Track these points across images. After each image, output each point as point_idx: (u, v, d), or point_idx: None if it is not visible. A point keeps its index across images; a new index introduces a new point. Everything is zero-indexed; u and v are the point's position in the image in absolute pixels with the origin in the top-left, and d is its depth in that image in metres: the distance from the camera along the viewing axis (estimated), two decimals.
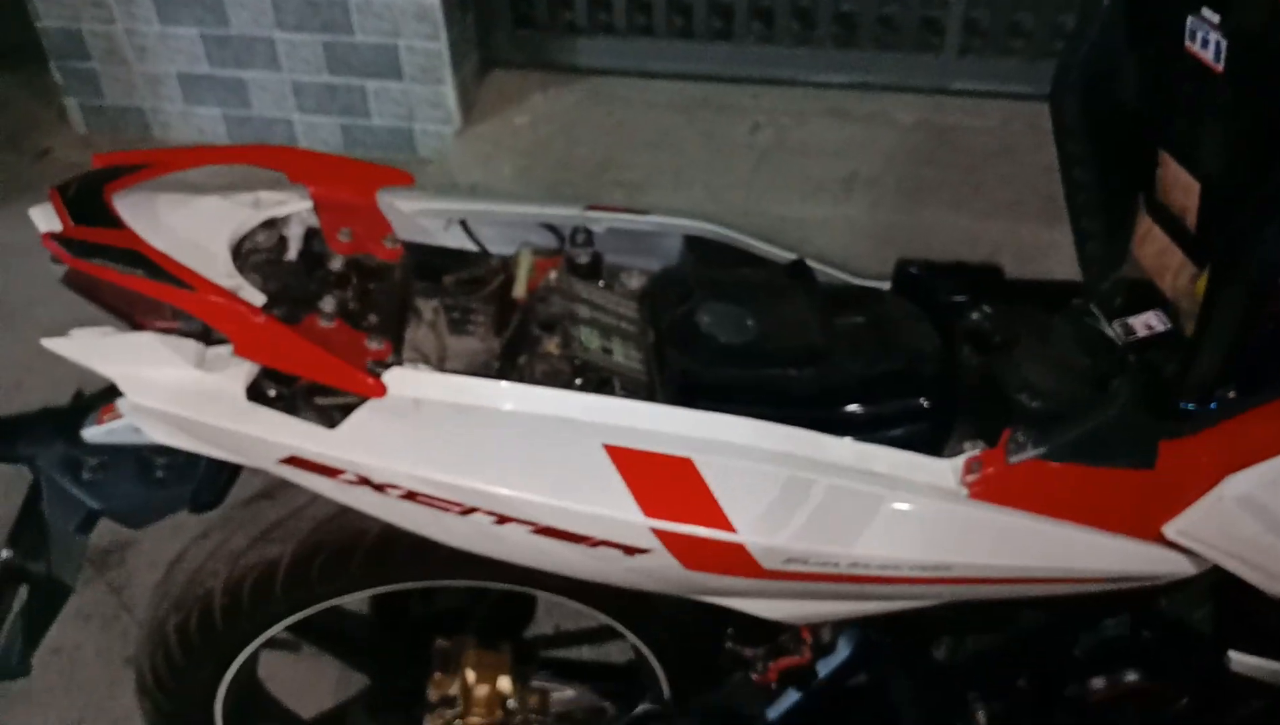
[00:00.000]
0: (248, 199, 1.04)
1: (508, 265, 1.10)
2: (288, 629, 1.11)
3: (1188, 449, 0.90)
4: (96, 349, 0.87)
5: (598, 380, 0.95)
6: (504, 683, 1.17)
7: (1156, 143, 1.04)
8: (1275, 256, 0.82)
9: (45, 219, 0.90)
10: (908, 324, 1.04)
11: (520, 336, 1.01)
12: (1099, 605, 1.07)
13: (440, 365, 1.02)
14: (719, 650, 1.14)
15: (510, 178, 2.68)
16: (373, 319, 0.98)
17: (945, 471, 0.91)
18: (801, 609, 0.99)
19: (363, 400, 0.86)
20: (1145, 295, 1.08)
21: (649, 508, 0.84)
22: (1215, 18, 0.89)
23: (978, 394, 1.01)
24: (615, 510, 0.84)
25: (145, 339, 0.88)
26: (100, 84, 2.84)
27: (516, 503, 0.84)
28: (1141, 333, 1.04)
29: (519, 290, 1.07)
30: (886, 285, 1.14)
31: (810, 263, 1.13)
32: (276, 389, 0.88)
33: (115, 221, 0.90)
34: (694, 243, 1.15)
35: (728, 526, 0.85)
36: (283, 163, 1.10)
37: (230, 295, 0.86)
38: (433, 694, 1.16)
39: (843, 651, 1.12)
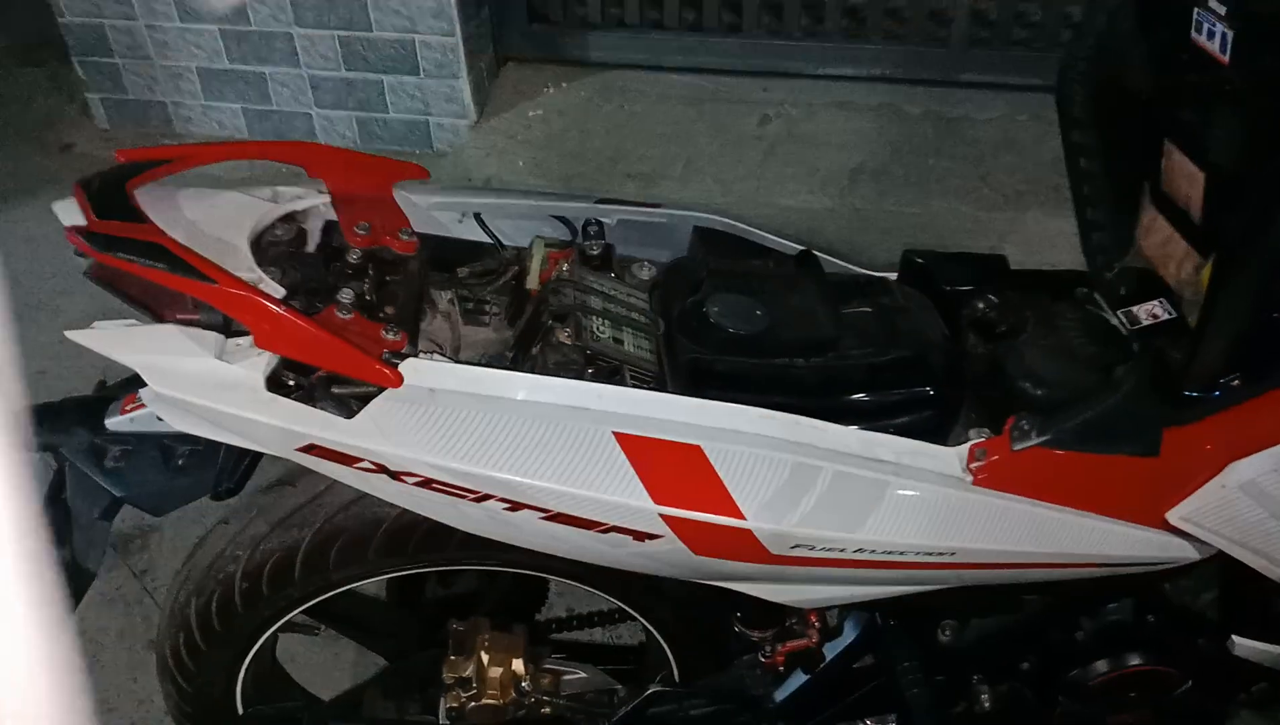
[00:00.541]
0: (267, 193, 1.06)
1: (521, 257, 1.12)
2: (306, 612, 1.14)
3: (1192, 436, 0.91)
4: (119, 340, 0.89)
5: (609, 370, 0.96)
6: (517, 664, 1.18)
7: (1162, 133, 1.05)
8: None
9: (69, 213, 0.91)
10: (914, 313, 1.05)
11: (533, 327, 1.02)
12: (1103, 590, 1.08)
13: (455, 355, 1.04)
14: (727, 633, 1.16)
15: (524, 170, 2.69)
16: (389, 310, 1.00)
17: (950, 459, 0.92)
18: (808, 593, 1.00)
19: (380, 390, 0.88)
20: (1149, 284, 1.08)
21: (658, 494, 0.86)
22: (1222, 9, 0.89)
23: (983, 382, 1.02)
24: (625, 497, 0.85)
25: (167, 330, 0.90)
26: (122, 79, 2.87)
27: (529, 489, 0.86)
28: (1146, 321, 1.05)
29: (532, 281, 1.08)
30: (893, 275, 1.15)
31: (817, 254, 1.14)
32: (295, 379, 0.90)
33: (138, 215, 0.91)
34: (703, 234, 1.16)
35: (736, 513, 0.86)
36: (301, 158, 1.12)
37: (250, 288, 0.88)
38: (448, 675, 1.17)
39: (849, 635, 1.14)
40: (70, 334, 0.88)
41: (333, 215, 1.08)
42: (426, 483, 0.87)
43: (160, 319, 0.92)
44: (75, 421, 0.97)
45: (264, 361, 0.89)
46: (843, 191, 2.55)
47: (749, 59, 2.91)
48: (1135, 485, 0.94)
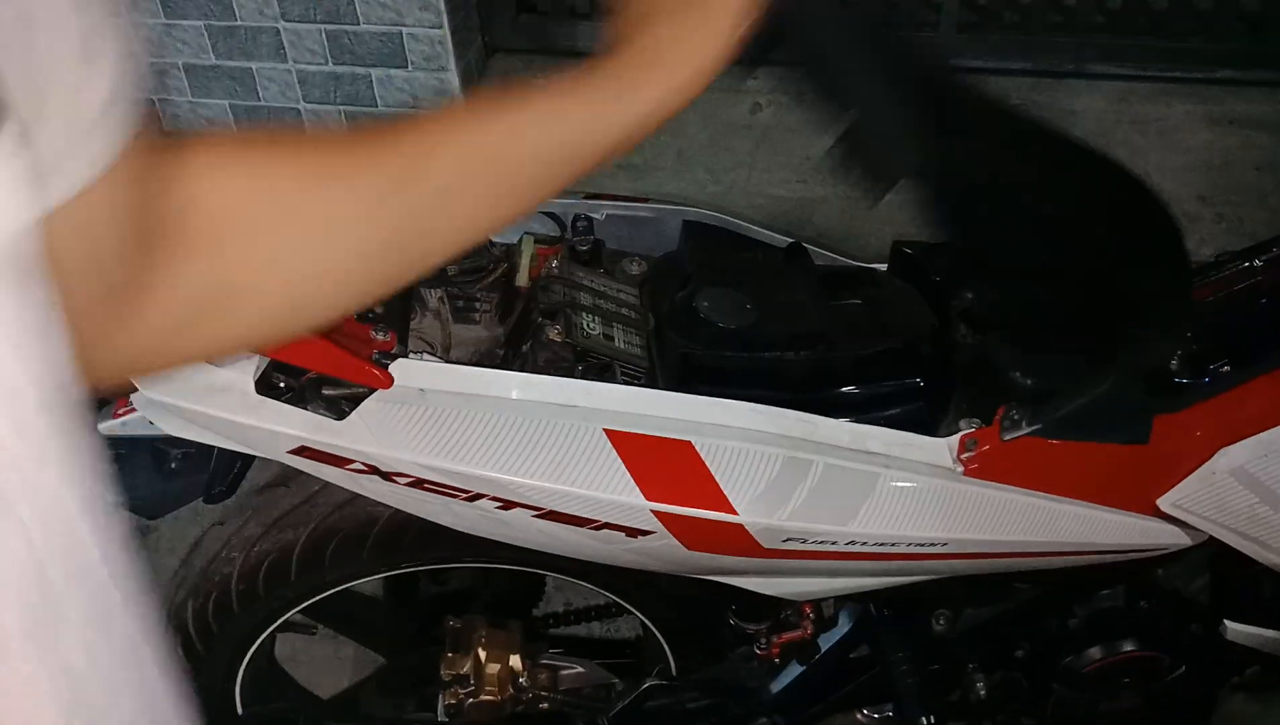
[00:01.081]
0: None
1: (510, 254, 1.12)
2: (303, 612, 1.14)
3: (1182, 423, 0.92)
4: None
5: (599, 366, 0.96)
6: (515, 660, 1.19)
7: None
8: None
9: None
10: (903, 304, 1.05)
11: (523, 324, 1.02)
12: (1095, 577, 1.09)
13: (446, 354, 1.04)
14: (722, 626, 1.17)
15: None
16: (378, 310, 1.00)
17: (941, 449, 0.92)
18: (802, 585, 1.01)
19: (370, 391, 0.88)
20: None
21: (650, 491, 0.86)
22: None
23: (973, 372, 1.02)
24: (617, 494, 0.86)
25: None
26: None
27: (520, 488, 0.86)
28: None
29: (521, 278, 1.08)
30: (883, 266, 1.15)
31: (807, 246, 1.14)
32: (285, 381, 0.90)
33: None
34: (692, 228, 1.16)
35: (728, 508, 0.87)
36: None
37: None
38: (445, 673, 1.18)
39: (843, 625, 1.14)
40: None
41: None
42: (418, 483, 0.87)
43: None
44: None
45: (253, 364, 0.89)
46: (834, 179, 2.54)
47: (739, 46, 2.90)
48: (1126, 473, 0.94)
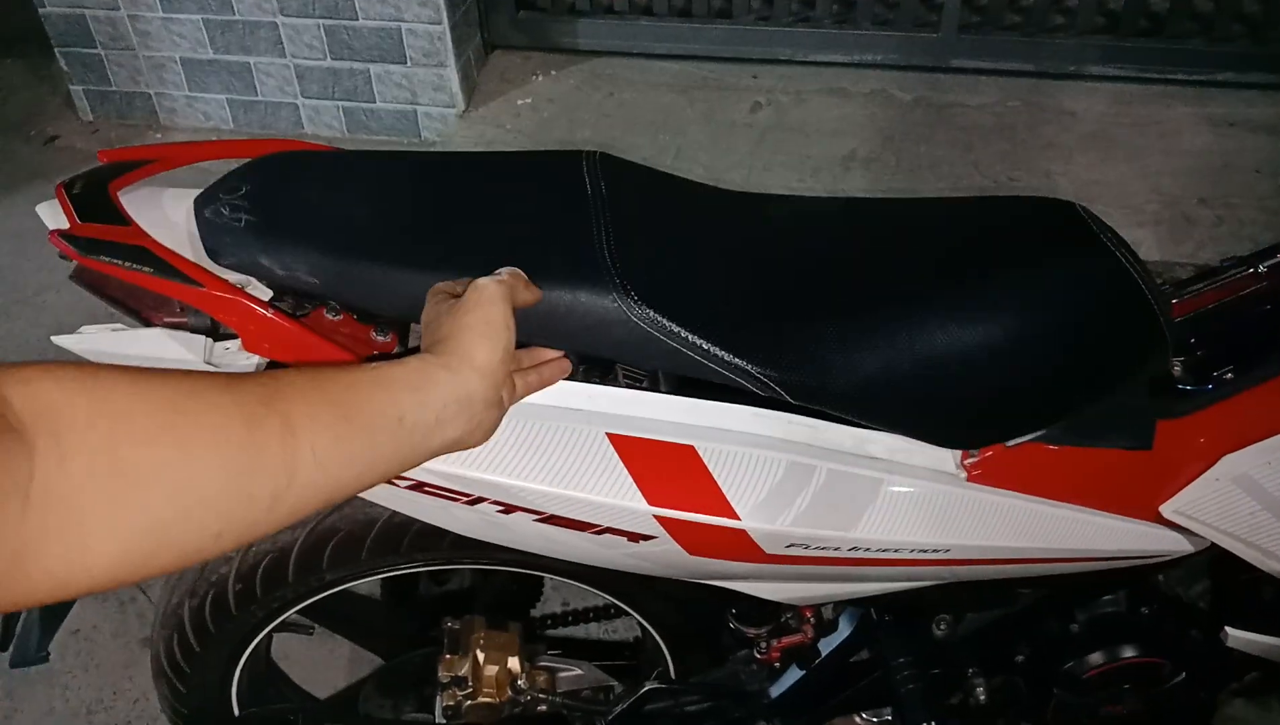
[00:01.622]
0: None
1: None
2: (300, 612, 1.13)
3: (1185, 429, 0.91)
4: (106, 344, 0.88)
5: (601, 370, 0.95)
6: (513, 662, 1.18)
7: None
8: None
9: (52, 216, 0.90)
10: None
11: None
12: (1097, 583, 1.09)
13: None
14: (723, 629, 1.16)
15: None
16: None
17: (944, 455, 0.91)
18: (803, 591, 1.00)
19: None
20: None
21: (652, 495, 0.85)
22: None
23: None
24: (619, 498, 0.85)
25: (154, 335, 0.89)
26: (105, 71, 2.84)
27: (522, 492, 0.85)
28: None
29: None
30: None
31: None
32: None
33: (122, 218, 0.90)
34: None
35: (730, 513, 0.86)
36: None
37: (237, 290, 0.87)
38: (443, 674, 1.17)
39: (844, 630, 1.14)
40: (57, 340, 0.86)
41: None
42: (419, 486, 0.87)
43: (147, 323, 0.91)
44: None
45: (253, 365, 0.88)
46: (835, 179, 2.54)
47: (739, 46, 2.90)
48: (1129, 479, 0.94)
